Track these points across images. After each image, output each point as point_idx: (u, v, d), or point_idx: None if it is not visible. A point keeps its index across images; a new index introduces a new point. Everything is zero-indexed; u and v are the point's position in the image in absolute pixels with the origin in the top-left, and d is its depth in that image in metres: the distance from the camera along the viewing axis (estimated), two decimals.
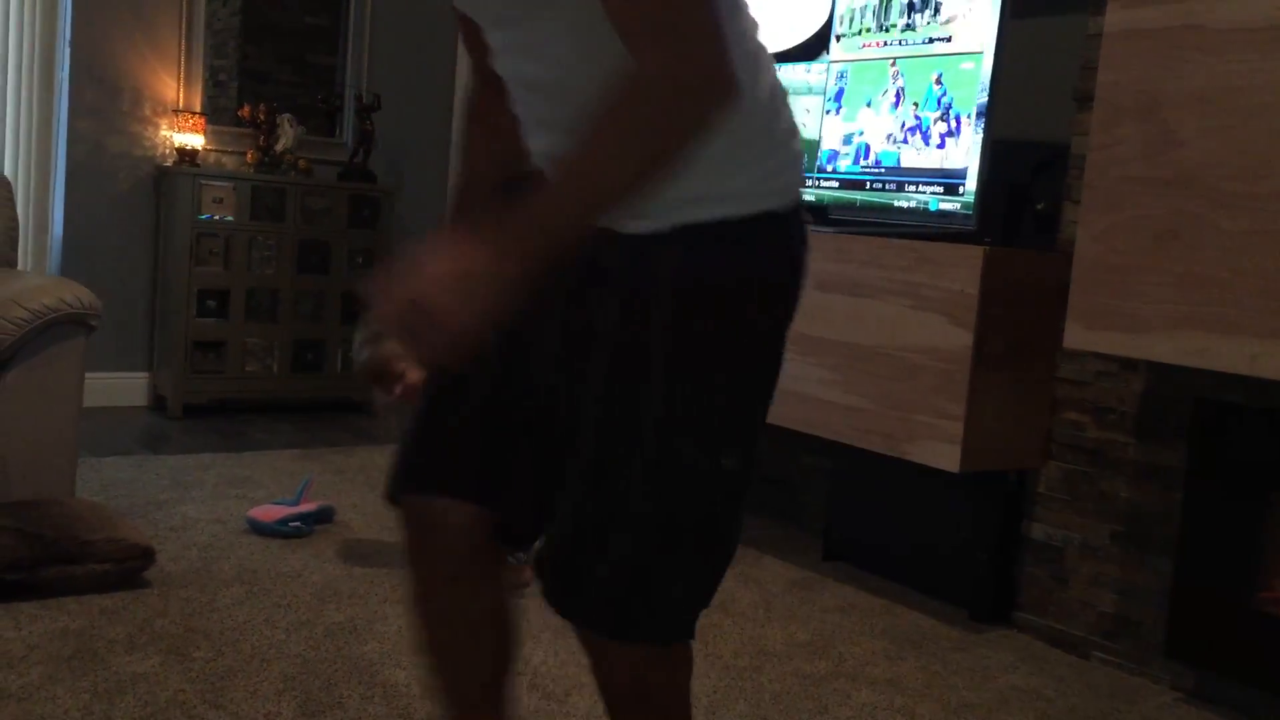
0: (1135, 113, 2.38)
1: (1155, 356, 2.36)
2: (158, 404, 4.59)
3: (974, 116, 2.78)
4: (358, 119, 4.85)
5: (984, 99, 2.76)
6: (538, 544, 1.31)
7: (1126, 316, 2.38)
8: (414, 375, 1.41)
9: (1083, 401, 2.77)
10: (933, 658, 2.65)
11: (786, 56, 3.33)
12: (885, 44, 3.03)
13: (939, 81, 2.87)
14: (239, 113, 4.69)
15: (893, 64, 3.00)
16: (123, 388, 4.57)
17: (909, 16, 2.97)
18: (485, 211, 1.32)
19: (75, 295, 2.79)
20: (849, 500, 3.31)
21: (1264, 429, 2.41)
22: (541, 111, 1.20)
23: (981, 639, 2.81)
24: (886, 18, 3.04)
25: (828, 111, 3.19)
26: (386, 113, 4.86)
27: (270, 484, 3.56)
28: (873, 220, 3.04)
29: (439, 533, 1.29)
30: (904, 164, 2.96)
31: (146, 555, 2.63)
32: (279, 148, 4.65)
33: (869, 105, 3.07)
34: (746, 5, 1.20)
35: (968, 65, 2.81)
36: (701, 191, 1.14)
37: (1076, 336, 2.50)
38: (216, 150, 4.68)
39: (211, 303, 4.49)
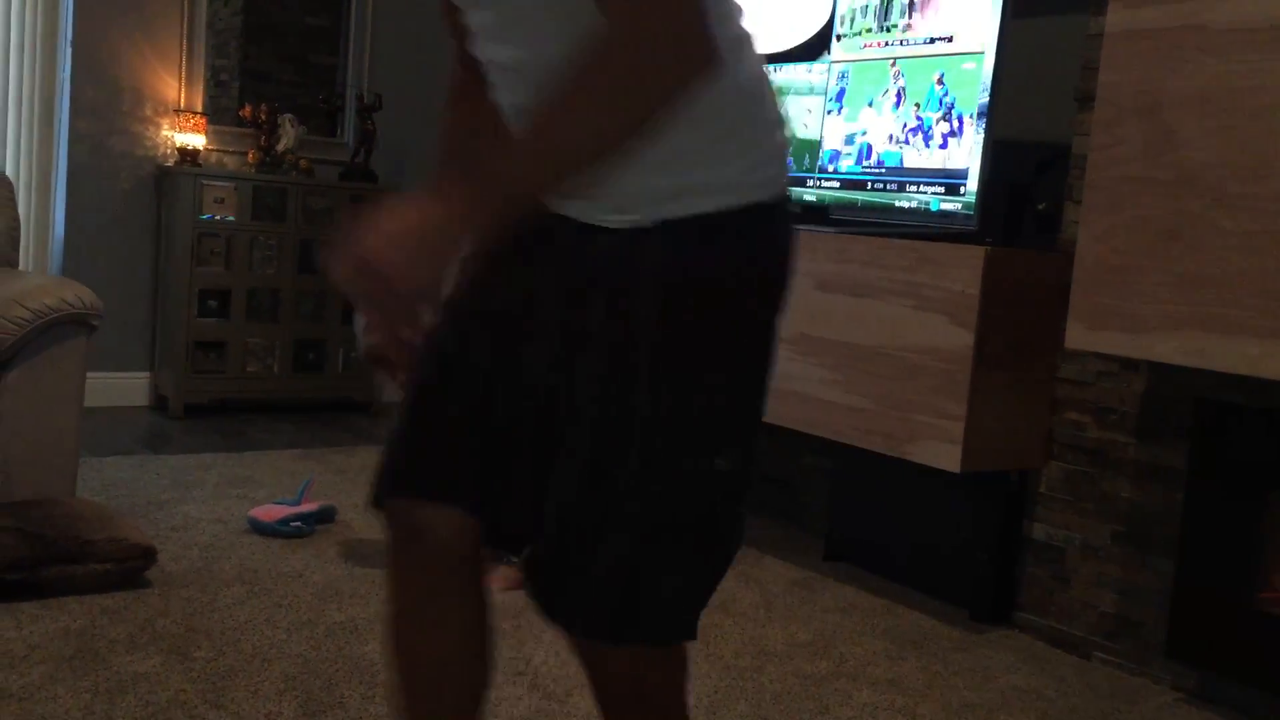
0: (1136, 113, 2.38)
1: (1156, 357, 2.36)
2: (159, 404, 4.59)
3: (975, 116, 2.78)
4: (359, 119, 4.86)
5: (985, 99, 2.76)
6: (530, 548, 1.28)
7: (1127, 317, 2.38)
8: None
9: (1084, 401, 2.77)
10: (934, 658, 2.65)
11: (788, 56, 3.33)
12: (886, 44, 3.03)
13: (940, 81, 2.87)
14: (240, 113, 4.69)
15: (893, 64, 3.00)
16: (124, 387, 4.57)
17: (909, 16, 2.97)
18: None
19: (76, 295, 2.80)
20: (850, 500, 3.31)
21: (1265, 429, 2.41)
22: (518, 95, 1.17)
23: (982, 639, 2.81)
24: (887, 18, 3.04)
25: (829, 111, 3.19)
26: (388, 113, 4.86)
27: (271, 484, 3.56)
28: (874, 220, 3.04)
29: (424, 541, 1.24)
30: (906, 164, 2.96)
31: (147, 555, 2.63)
32: (280, 148, 4.65)
33: (870, 105, 3.07)
34: None
35: (969, 65, 2.80)
36: (686, 184, 1.12)
37: (1077, 337, 2.50)
38: (218, 150, 4.69)
39: (213, 303, 4.49)
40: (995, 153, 2.77)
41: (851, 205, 3.11)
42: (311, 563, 2.89)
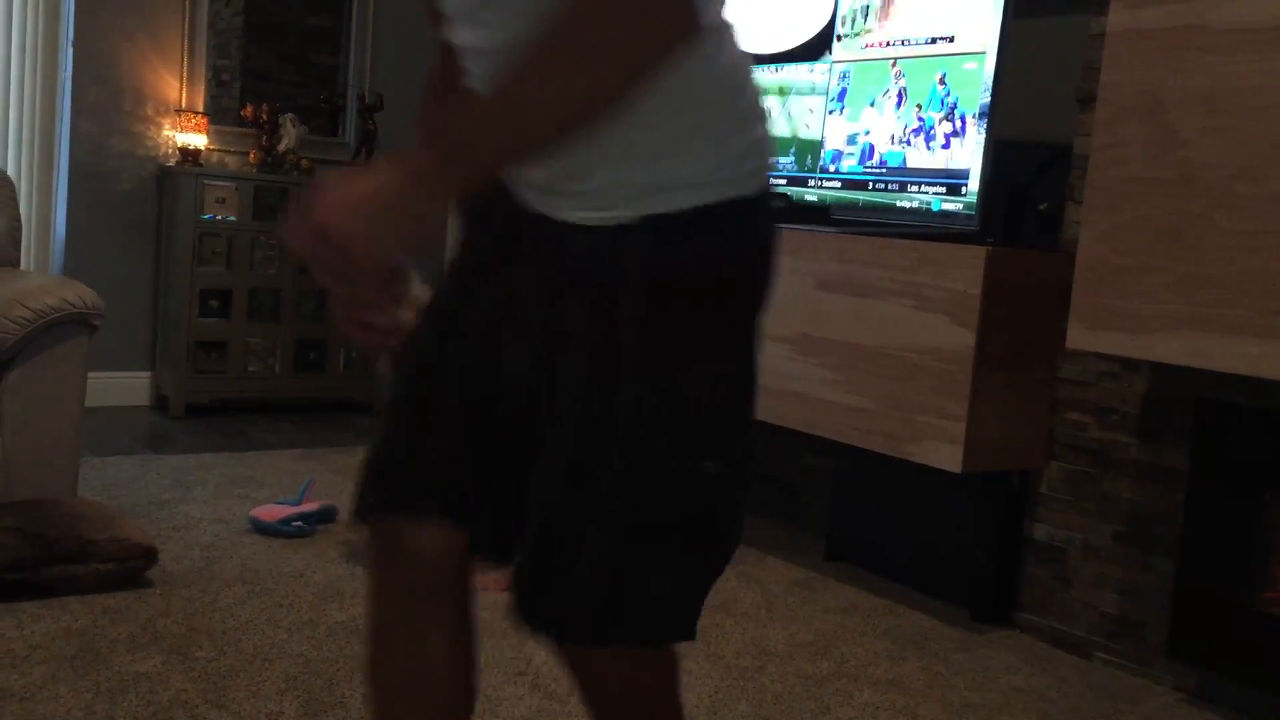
0: (1138, 113, 2.38)
1: (1157, 357, 2.36)
2: (160, 404, 4.59)
3: (977, 117, 2.78)
4: (360, 119, 4.86)
5: (986, 99, 2.76)
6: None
7: (1129, 317, 2.38)
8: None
9: (1085, 402, 2.77)
10: (935, 658, 2.65)
11: (789, 56, 3.33)
12: (887, 44, 3.03)
13: (942, 82, 2.87)
14: (242, 113, 4.70)
15: (893, 64, 3.00)
16: (125, 387, 4.57)
17: (873, 20, 2.97)
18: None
19: (78, 295, 2.80)
20: (851, 500, 3.31)
21: (1266, 429, 2.41)
22: (492, 81, 1.13)
23: (983, 639, 2.81)
24: (888, 18, 3.04)
25: (831, 111, 3.19)
26: (389, 113, 4.87)
27: (272, 484, 3.56)
28: (875, 220, 3.04)
29: (407, 558, 1.19)
30: (909, 164, 2.96)
31: (149, 555, 2.64)
32: (281, 148, 4.66)
33: (872, 105, 3.07)
34: None
35: (970, 65, 2.80)
36: (665, 178, 1.08)
37: (1079, 337, 2.49)
38: (219, 150, 4.69)
39: (214, 302, 4.49)
40: (996, 153, 2.76)
41: (853, 205, 3.11)
42: (313, 563, 2.89)
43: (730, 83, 1.12)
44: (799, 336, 3.01)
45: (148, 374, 4.65)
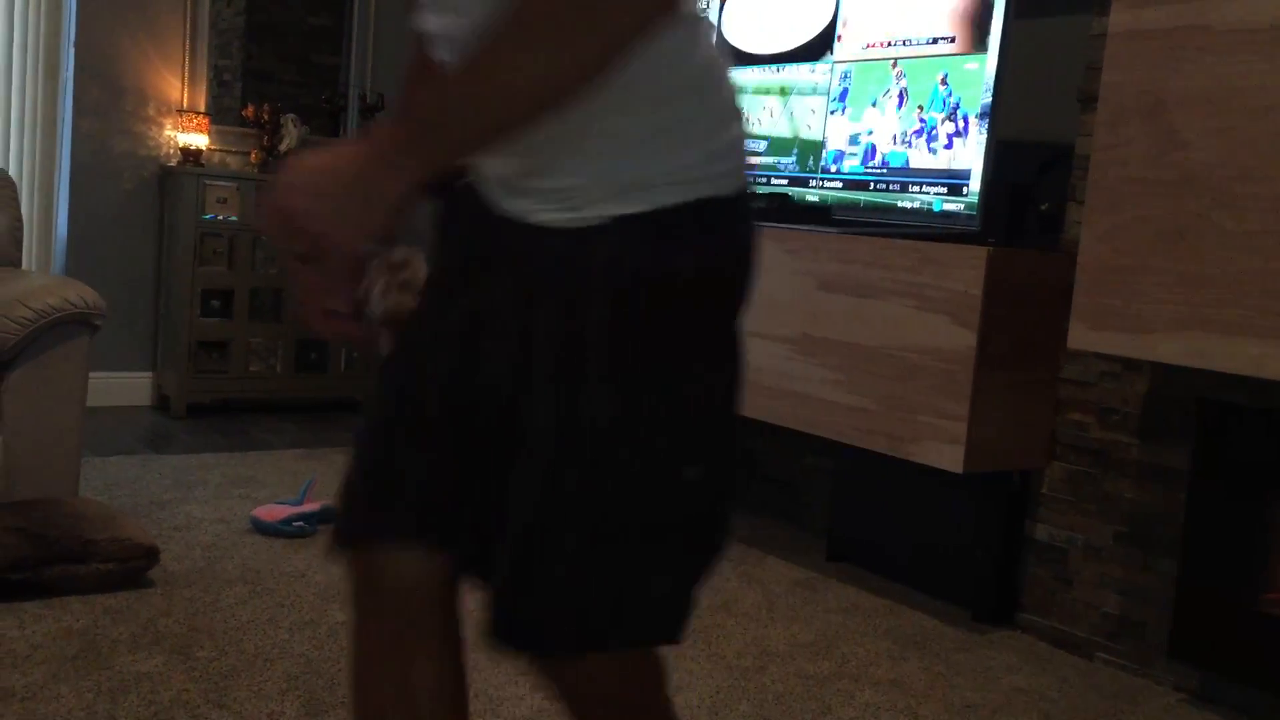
0: (1139, 113, 2.38)
1: (1159, 357, 2.36)
2: (161, 404, 4.59)
3: (978, 117, 2.78)
4: (362, 119, 4.86)
5: (988, 99, 2.76)
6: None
7: (1130, 317, 2.38)
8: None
9: (1086, 402, 2.77)
10: (936, 658, 2.65)
11: (790, 57, 3.33)
12: (888, 44, 3.03)
13: (944, 82, 2.87)
14: (243, 113, 4.70)
15: (894, 64, 3.00)
16: (127, 387, 4.57)
17: (910, 17, 2.97)
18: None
19: (79, 295, 2.80)
20: (852, 501, 3.31)
21: (1267, 429, 2.41)
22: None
23: (985, 640, 2.81)
24: (889, 18, 3.04)
25: (832, 112, 3.19)
26: (390, 113, 4.87)
27: (274, 484, 3.56)
28: (876, 221, 3.04)
29: (388, 587, 1.15)
30: (912, 164, 2.96)
31: (150, 555, 2.64)
32: (283, 148, 4.66)
33: (874, 105, 3.07)
34: None
35: (971, 65, 2.80)
36: (636, 175, 1.04)
37: (1080, 337, 2.49)
38: (220, 150, 4.69)
39: (215, 302, 4.50)
40: (998, 153, 2.76)
41: (854, 206, 3.11)
42: (314, 563, 2.90)
43: (704, 79, 1.07)
44: (800, 337, 3.01)
45: (149, 374, 4.65)
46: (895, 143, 2.99)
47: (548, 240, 1.07)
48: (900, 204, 2.98)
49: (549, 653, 1.11)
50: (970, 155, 2.79)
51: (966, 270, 2.66)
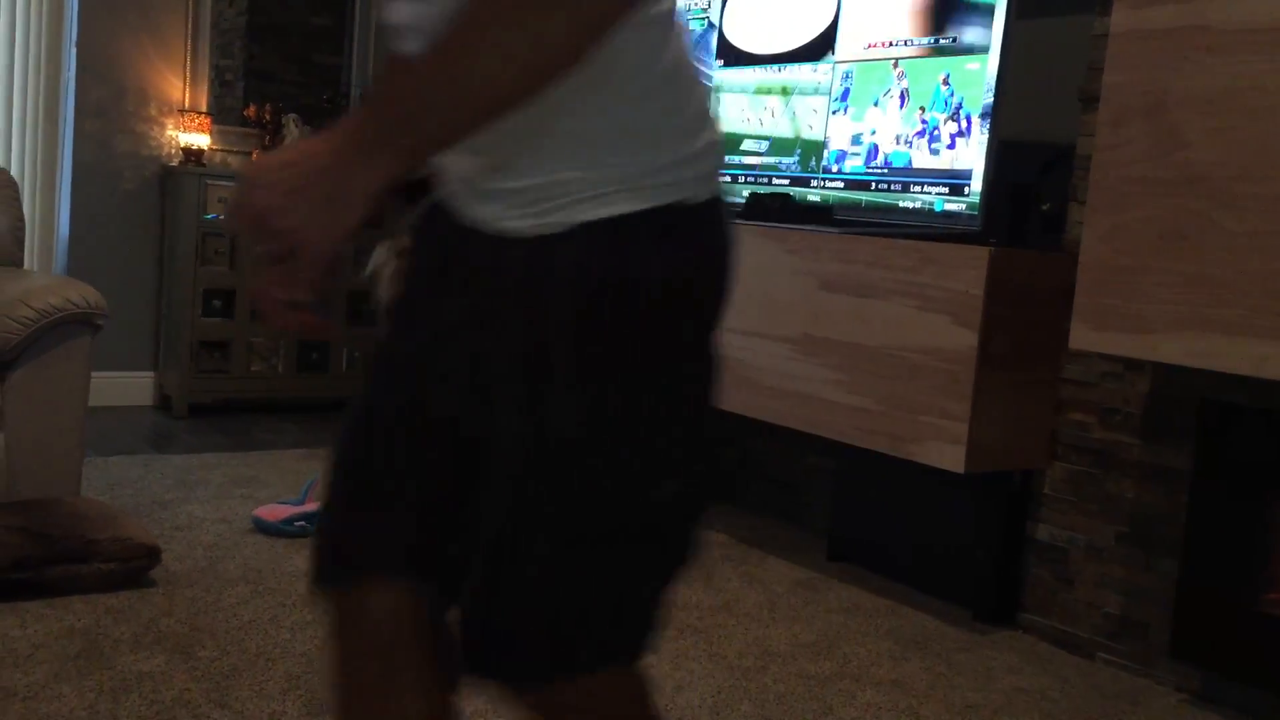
0: (1141, 113, 2.38)
1: (1161, 357, 2.36)
2: (163, 403, 4.59)
3: (980, 117, 2.78)
4: None
5: (990, 99, 2.76)
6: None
7: (1132, 317, 2.38)
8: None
9: (1088, 402, 2.77)
10: (937, 658, 2.65)
11: (792, 57, 3.33)
12: (890, 44, 3.03)
13: (946, 82, 2.87)
14: (245, 113, 4.70)
15: (895, 65, 3.00)
16: (128, 387, 4.58)
17: (911, 17, 2.97)
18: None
19: (81, 295, 2.80)
20: (853, 501, 3.31)
21: (1269, 430, 2.41)
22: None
23: (986, 640, 2.81)
24: (890, 18, 3.04)
25: (834, 112, 3.19)
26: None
27: (275, 483, 3.57)
28: (878, 221, 3.04)
29: (368, 623, 1.12)
30: (915, 165, 2.96)
31: (152, 554, 2.64)
32: None
33: (876, 105, 3.07)
34: None
35: (973, 65, 2.80)
36: (602, 177, 0.99)
37: (1082, 337, 2.49)
38: (222, 150, 4.69)
39: (217, 302, 4.50)
40: (999, 153, 2.76)
41: (856, 206, 3.11)
42: None
43: (676, 81, 1.03)
44: (801, 337, 3.01)
45: (151, 374, 4.65)
46: (898, 143, 2.99)
47: (511, 252, 1.03)
48: (902, 204, 2.98)
49: (523, 681, 1.07)
50: (972, 155, 2.79)
51: (968, 270, 2.66)
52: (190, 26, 4.57)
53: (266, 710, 2.09)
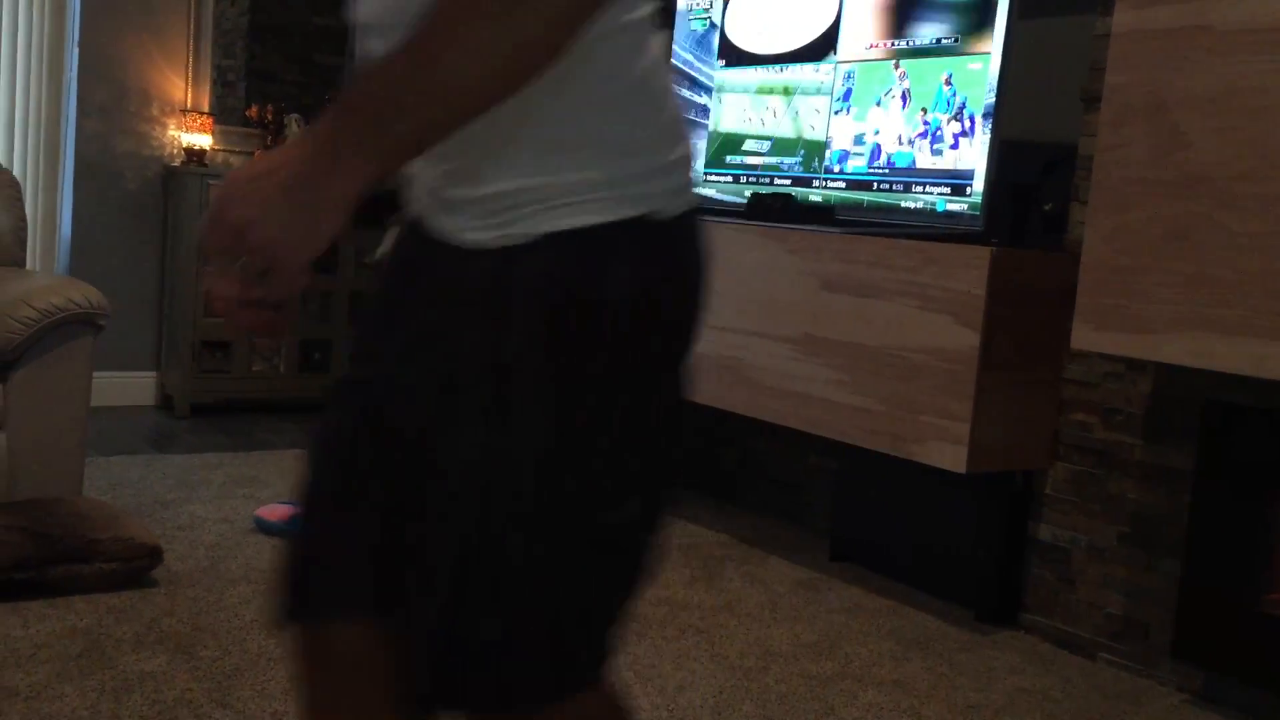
0: (1143, 113, 2.38)
1: (1163, 358, 2.36)
2: (165, 403, 4.60)
3: (982, 117, 2.78)
4: None
5: (991, 99, 2.76)
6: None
7: (1134, 317, 2.38)
8: None
9: (1090, 402, 2.77)
10: (939, 659, 2.65)
11: (794, 57, 3.33)
12: (892, 44, 3.03)
13: (948, 82, 2.87)
14: (247, 113, 4.70)
15: (897, 65, 3.00)
16: (130, 387, 4.58)
17: (914, 17, 2.97)
18: None
19: (83, 295, 2.80)
20: (855, 501, 3.31)
21: (1271, 430, 2.40)
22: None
23: (988, 640, 2.81)
24: (892, 18, 3.03)
25: (836, 112, 3.19)
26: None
27: (277, 483, 3.57)
28: (880, 221, 3.04)
29: (334, 663, 1.10)
30: (919, 165, 2.96)
31: (154, 554, 2.64)
32: None
33: (878, 105, 3.07)
34: None
35: (975, 65, 2.80)
36: (567, 187, 0.96)
37: (1084, 337, 2.49)
38: (224, 150, 4.69)
39: None
40: (1001, 153, 2.76)
41: (857, 206, 3.11)
42: None
43: (648, 90, 1.00)
44: (803, 337, 3.01)
45: (153, 374, 4.65)
46: (901, 143, 2.99)
47: (475, 264, 1.00)
48: (904, 204, 2.98)
49: (493, 705, 1.01)
50: (974, 155, 2.79)
51: (970, 270, 2.66)
52: (192, 27, 4.57)
53: (268, 710, 2.09)
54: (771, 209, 3.27)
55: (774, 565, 3.23)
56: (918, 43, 2.96)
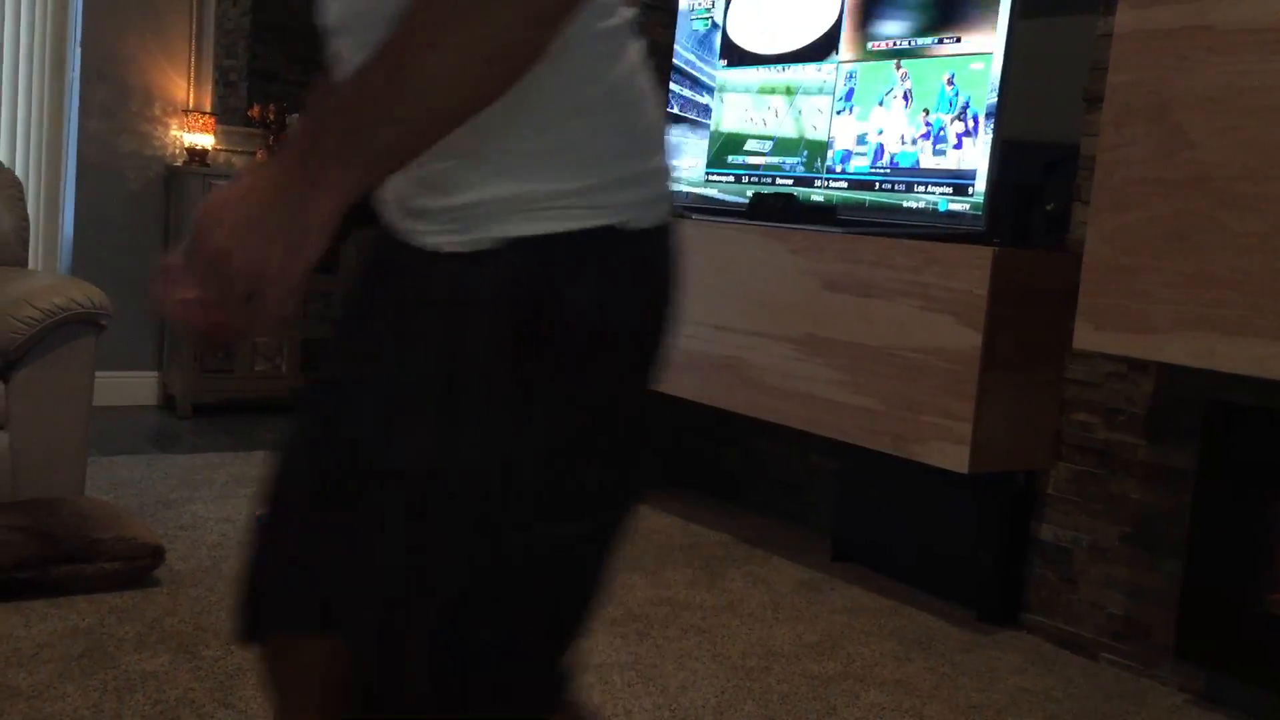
0: (1145, 113, 2.38)
1: (1165, 357, 2.36)
2: (167, 403, 4.60)
3: (984, 117, 2.78)
4: None
5: (994, 99, 2.76)
6: None
7: (1136, 317, 2.38)
8: None
9: (1092, 402, 2.77)
10: (941, 659, 2.65)
11: (796, 57, 3.33)
12: (894, 44, 3.03)
13: (950, 82, 2.87)
14: (249, 113, 4.70)
15: (898, 65, 3.00)
16: (132, 387, 4.58)
17: (915, 18, 2.97)
18: None
19: (86, 294, 2.80)
20: (857, 501, 3.31)
21: (1273, 430, 2.40)
22: (350, 64, 0.95)
23: (990, 640, 2.81)
24: (894, 19, 3.03)
25: (838, 112, 3.19)
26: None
27: None
28: (882, 221, 3.04)
29: (296, 677, 1.09)
30: (922, 165, 2.96)
31: (156, 554, 2.64)
32: None
33: (880, 105, 3.07)
34: None
35: (977, 65, 2.80)
36: (532, 194, 0.94)
37: (1086, 337, 2.49)
38: (226, 150, 4.70)
39: None
40: (1004, 153, 2.76)
41: (859, 205, 3.11)
42: None
43: (622, 99, 0.97)
44: (805, 337, 3.01)
45: (155, 374, 4.66)
46: (903, 143, 2.99)
47: (438, 268, 0.97)
48: (905, 204, 2.98)
49: None
50: (976, 155, 2.79)
51: (972, 270, 2.66)
52: (194, 27, 4.57)
53: (270, 710, 2.09)
54: (773, 209, 3.27)
55: (776, 565, 3.23)
56: (919, 42, 2.96)
